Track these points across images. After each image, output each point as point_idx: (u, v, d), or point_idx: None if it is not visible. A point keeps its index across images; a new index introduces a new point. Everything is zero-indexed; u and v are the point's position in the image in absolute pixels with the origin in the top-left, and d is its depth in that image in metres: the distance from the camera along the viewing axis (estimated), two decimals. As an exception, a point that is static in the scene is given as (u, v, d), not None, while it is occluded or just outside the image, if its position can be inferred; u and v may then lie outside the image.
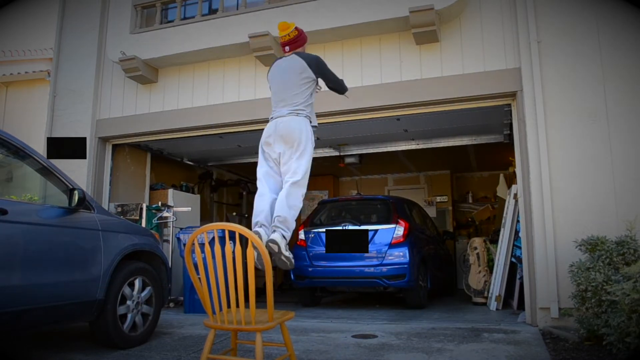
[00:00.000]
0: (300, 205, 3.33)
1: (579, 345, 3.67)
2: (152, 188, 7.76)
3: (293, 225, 3.23)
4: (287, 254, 3.12)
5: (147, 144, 7.40)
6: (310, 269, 6.26)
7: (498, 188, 8.16)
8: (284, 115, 3.41)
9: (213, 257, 2.50)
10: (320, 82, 3.60)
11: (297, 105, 3.42)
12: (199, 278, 2.53)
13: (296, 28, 3.61)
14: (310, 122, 3.49)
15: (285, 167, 3.37)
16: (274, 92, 3.58)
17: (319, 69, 3.52)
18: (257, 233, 3.03)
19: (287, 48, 3.62)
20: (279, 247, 3.02)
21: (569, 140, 4.71)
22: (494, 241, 6.83)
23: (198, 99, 6.35)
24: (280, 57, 3.67)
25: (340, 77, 3.75)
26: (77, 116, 6.75)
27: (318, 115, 5.76)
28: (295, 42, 3.62)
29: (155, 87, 6.63)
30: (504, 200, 6.58)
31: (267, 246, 3.00)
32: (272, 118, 3.48)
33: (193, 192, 8.79)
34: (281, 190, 3.32)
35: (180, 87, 6.49)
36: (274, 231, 3.12)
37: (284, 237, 3.11)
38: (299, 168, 3.32)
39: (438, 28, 5.24)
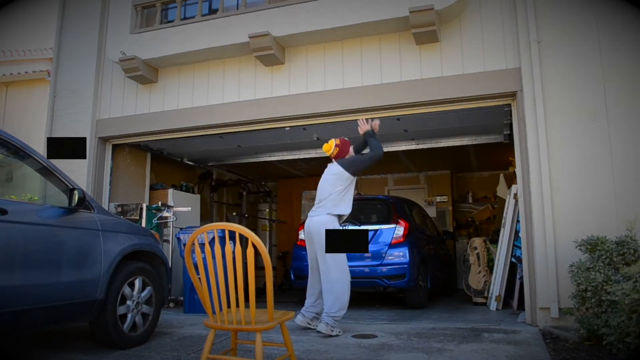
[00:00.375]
0: (345, 283, 4.39)
1: (579, 345, 3.67)
2: (152, 188, 7.76)
3: (344, 301, 4.35)
4: (335, 333, 4.20)
5: (147, 144, 7.40)
6: (310, 269, 6.25)
7: (498, 188, 8.16)
8: (315, 216, 4.51)
9: (213, 257, 2.50)
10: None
11: (329, 205, 4.49)
12: (199, 278, 2.53)
13: (336, 145, 4.63)
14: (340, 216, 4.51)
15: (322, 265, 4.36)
16: (317, 193, 4.68)
17: (353, 163, 4.59)
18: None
19: (333, 160, 4.67)
20: (328, 334, 4.19)
21: (569, 140, 4.71)
22: (494, 241, 6.83)
23: (198, 99, 6.35)
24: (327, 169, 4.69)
25: (370, 154, 4.66)
26: (77, 116, 6.75)
27: (318, 115, 5.85)
28: (339, 155, 4.67)
29: (155, 87, 6.63)
30: (504, 200, 6.58)
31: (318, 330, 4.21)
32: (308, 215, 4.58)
33: (193, 192, 8.79)
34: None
35: (180, 87, 6.49)
36: (320, 321, 4.27)
37: (327, 324, 4.21)
38: (326, 271, 4.33)
39: (438, 28, 5.24)
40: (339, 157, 4.65)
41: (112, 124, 6.68)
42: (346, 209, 4.50)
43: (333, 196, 4.46)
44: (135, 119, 6.59)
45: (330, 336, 4.14)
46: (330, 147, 4.67)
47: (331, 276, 4.30)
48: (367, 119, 4.85)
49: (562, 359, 3.37)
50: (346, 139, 4.80)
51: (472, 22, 5.33)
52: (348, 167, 4.51)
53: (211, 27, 6.02)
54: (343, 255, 4.39)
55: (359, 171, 4.66)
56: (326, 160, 4.96)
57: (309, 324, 4.52)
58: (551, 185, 4.66)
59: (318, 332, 4.19)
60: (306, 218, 4.77)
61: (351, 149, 4.73)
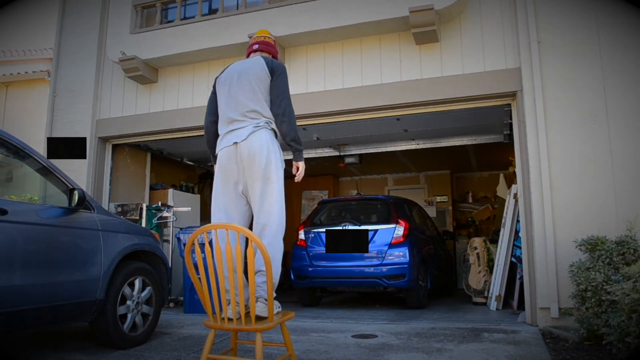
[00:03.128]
0: (281, 249, 2.87)
1: (579, 345, 3.67)
2: (152, 188, 7.76)
3: (277, 274, 2.79)
4: (276, 310, 2.69)
5: (147, 144, 7.40)
6: (310, 269, 6.26)
7: (498, 188, 8.17)
8: (247, 137, 2.87)
9: (213, 257, 2.50)
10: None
11: (261, 116, 2.97)
12: (199, 278, 2.53)
13: (270, 37, 3.34)
14: (276, 135, 3.01)
15: (254, 205, 2.89)
16: (223, 102, 3.06)
17: (278, 71, 3.03)
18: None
19: (255, 46, 3.26)
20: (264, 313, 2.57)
21: (569, 140, 4.71)
22: (494, 241, 6.83)
23: (198, 99, 6.35)
24: (239, 60, 3.22)
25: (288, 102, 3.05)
26: (77, 116, 6.75)
27: (318, 115, 5.85)
28: (268, 45, 3.29)
29: (155, 87, 6.63)
30: (504, 200, 6.58)
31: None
32: (225, 141, 2.96)
33: (193, 192, 8.80)
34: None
35: (180, 87, 6.49)
36: (257, 300, 2.61)
37: (265, 300, 2.61)
38: (271, 209, 2.84)
39: (438, 28, 5.24)
40: (267, 49, 3.28)
41: (112, 124, 6.68)
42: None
43: (261, 103, 2.97)
44: (135, 119, 6.59)
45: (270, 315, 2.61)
46: (267, 32, 3.36)
47: (270, 242, 2.80)
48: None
49: (562, 359, 3.37)
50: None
51: (472, 22, 5.33)
52: (275, 70, 3.02)
53: (211, 27, 6.02)
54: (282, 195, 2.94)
55: (276, 87, 3.00)
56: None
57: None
58: (551, 185, 4.66)
59: (257, 314, 2.62)
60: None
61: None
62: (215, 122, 3.15)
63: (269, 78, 3.02)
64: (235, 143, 2.89)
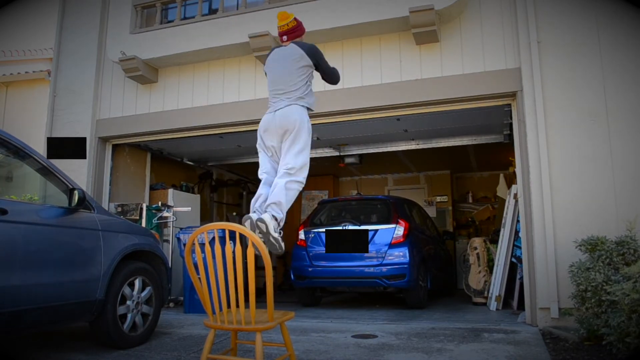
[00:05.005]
0: (295, 192, 3.29)
1: (579, 345, 3.67)
2: (152, 188, 7.76)
3: (286, 208, 3.20)
4: (276, 235, 3.06)
5: (147, 144, 7.40)
6: (310, 269, 6.26)
7: (498, 188, 8.16)
8: (283, 107, 3.39)
9: (213, 257, 2.50)
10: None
11: (296, 95, 3.41)
12: (199, 278, 2.53)
13: (295, 19, 3.63)
14: (309, 109, 3.50)
15: (283, 157, 3.35)
16: (271, 81, 3.54)
17: (316, 57, 3.51)
18: (249, 218, 3.04)
19: (284, 37, 3.59)
20: (267, 227, 2.97)
21: (569, 140, 4.71)
22: (494, 241, 6.83)
23: (198, 99, 6.35)
24: (278, 47, 3.65)
25: (332, 67, 3.69)
26: (77, 116, 6.75)
27: (318, 115, 5.84)
28: (294, 32, 3.61)
29: (155, 87, 6.63)
30: (504, 200, 6.58)
31: (256, 225, 2.98)
32: (270, 109, 3.46)
33: (193, 192, 8.79)
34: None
35: (180, 87, 6.49)
36: (265, 211, 3.11)
37: (274, 217, 3.07)
38: (297, 157, 3.29)
39: (438, 28, 5.24)
40: (293, 37, 3.60)
41: (112, 124, 6.68)
42: (315, 103, 3.59)
43: (300, 86, 3.43)
44: (135, 119, 6.59)
45: (268, 232, 3.04)
46: (287, 17, 3.61)
47: (286, 180, 3.24)
48: None
49: (562, 359, 3.37)
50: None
51: (472, 22, 5.33)
52: (311, 53, 3.47)
53: (211, 27, 6.02)
54: (303, 172, 3.36)
55: (319, 65, 3.55)
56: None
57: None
58: (551, 185, 4.66)
59: (260, 219, 3.04)
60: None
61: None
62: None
63: (302, 60, 3.47)
64: (274, 112, 3.41)
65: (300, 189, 3.33)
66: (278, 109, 3.39)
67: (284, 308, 2.87)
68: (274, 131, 3.38)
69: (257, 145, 3.49)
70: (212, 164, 9.27)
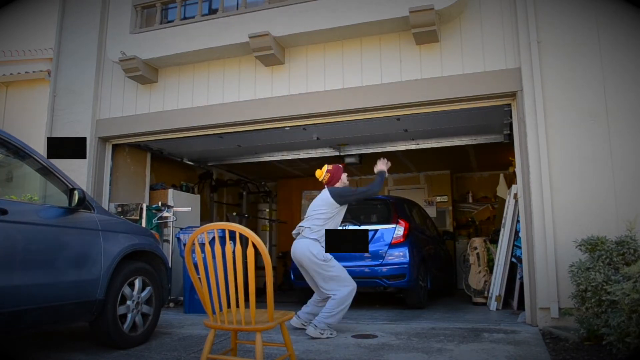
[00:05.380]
0: (348, 291, 4.38)
1: (579, 345, 3.67)
2: (152, 188, 7.76)
3: (344, 308, 4.37)
4: (325, 335, 4.20)
5: (147, 144, 7.40)
6: (310, 269, 6.25)
7: (498, 188, 8.16)
8: (298, 240, 4.55)
9: (213, 257, 2.50)
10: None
11: (311, 228, 4.48)
12: (199, 278, 2.53)
13: (328, 171, 4.68)
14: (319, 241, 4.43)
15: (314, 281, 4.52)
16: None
17: (341, 198, 4.54)
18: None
19: (326, 187, 4.66)
20: (315, 337, 4.18)
21: (569, 140, 4.71)
22: (494, 241, 6.83)
23: (198, 99, 6.35)
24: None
25: (363, 189, 4.71)
26: (77, 116, 6.75)
27: (318, 115, 5.85)
28: (330, 182, 4.69)
29: (155, 87, 6.63)
30: (504, 200, 6.58)
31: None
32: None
33: (193, 192, 8.79)
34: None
35: (180, 87, 6.49)
36: (311, 323, 4.28)
37: (316, 327, 4.22)
38: (327, 282, 4.40)
39: (438, 28, 5.24)
40: (331, 183, 4.69)
41: (112, 124, 6.68)
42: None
43: (316, 221, 4.49)
44: (135, 119, 6.59)
45: (320, 338, 4.16)
46: (321, 173, 4.73)
47: (335, 292, 4.36)
48: (387, 161, 4.84)
49: (562, 359, 3.37)
50: (340, 165, 4.83)
51: (472, 22, 5.32)
52: (336, 196, 4.55)
53: (211, 27, 6.02)
54: (340, 269, 4.47)
55: (346, 202, 4.62)
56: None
57: (304, 325, 4.51)
58: (551, 185, 4.66)
59: (307, 334, 4.22)
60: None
61: (344, 176, 4.76)
62: None
63: (330, 200, 4.57)
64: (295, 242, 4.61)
65: (348, 296, 4.42)
66: (298, 240, 4.61)
67: (284, 308, 2.87)
68: (298, 262, 4.60)
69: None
70: (212, 164, 9.27)
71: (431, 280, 6.78)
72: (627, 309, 2.82)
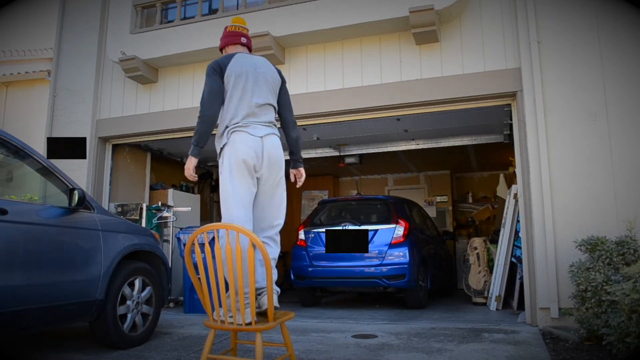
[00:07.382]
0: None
1: (579, 345, 3.67)
2: (152, 188, 7.76)
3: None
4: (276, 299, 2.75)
5: (147, 144, 7.40)
6: (310, 269, 6.26)
7: (498, 188, 8.17)
8: (270, 134, 2.94)
9: (213, 257, 2.50)
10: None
11: (273, 122, 3.03)
12: (199, 278, 2.53)
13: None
14: None
15: (268, 205, 2.96)
16: (248, 91, 2.96)
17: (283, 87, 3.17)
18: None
19: (243, 40, 3.27)
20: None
21: (569, 140, 4.71)
22: (494, 241, 6.83)
23: (198, 99, 6.24)
24: (240, 52, 3.16)
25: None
26: (77, 116, 6.76)
27: (318, 115, 5.85)
28: (250, 41, 3.32)
29: (155, 87, 6.63)
30: (504, 200, 6.58)
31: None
32: (249, 131, 2.90)
33: (193, 192, 8.79)
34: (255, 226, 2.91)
35: (181, 87, 6.49)
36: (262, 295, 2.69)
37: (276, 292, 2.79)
38: (282, 208, 3.01)
39: (438, 28, 5.24)
40: (250, 48, 3.35)
41: (112, 124, 6.68)
42: None
43: (272, 109, 3.08)
44: (135, 119, 6.59)
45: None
46: (242, 22, 3.37)
47: (277, 241, 3.04)
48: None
49: (562, 359, 3.37)
50: (229, 30, 3.41)
51: (472, 22, 5.33)
52: (284, 82, 3.22)
53: (211, 27, 6.01)
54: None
55: (289, 97, 3.28)
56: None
57: None
58: (551, 185, 4.66)
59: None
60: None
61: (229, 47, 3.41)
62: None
63: (279, 85, 3.16)
64: (261, 137, 2.91)
65: None
66: (266, 135, 2.91)
67: (284, 308, 2.87)
68: (262, 163, 2.89)
69: (237, 169, 2.88)
70: (212, 164, 9.27)
71: (431, 280, 6.78)
72: (627, 309, 2.82)
